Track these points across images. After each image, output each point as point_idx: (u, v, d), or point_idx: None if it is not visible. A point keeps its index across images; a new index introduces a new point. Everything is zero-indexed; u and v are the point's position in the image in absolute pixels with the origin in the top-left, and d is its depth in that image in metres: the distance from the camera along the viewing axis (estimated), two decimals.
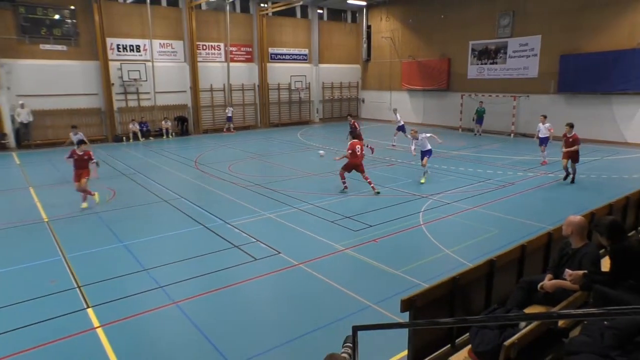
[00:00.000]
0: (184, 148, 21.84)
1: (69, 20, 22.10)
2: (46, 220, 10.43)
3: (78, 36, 22.49)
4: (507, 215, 10.09)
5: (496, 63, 24.21)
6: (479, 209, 10.62)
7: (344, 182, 12.24)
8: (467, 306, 4.37)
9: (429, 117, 28.72)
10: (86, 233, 9.55)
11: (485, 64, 24.77)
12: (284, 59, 30.21)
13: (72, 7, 22.09)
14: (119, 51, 23.86)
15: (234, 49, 27.82)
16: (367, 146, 16.52)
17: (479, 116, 23.69)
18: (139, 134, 24.09)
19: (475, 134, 24.00)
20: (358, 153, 11.93)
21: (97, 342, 5.50)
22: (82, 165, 11.26)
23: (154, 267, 7.65)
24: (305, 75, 30.96)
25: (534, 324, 3.48)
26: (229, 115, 27.30)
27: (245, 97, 28.87)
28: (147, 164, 17.53)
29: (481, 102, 23.85)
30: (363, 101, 34.12)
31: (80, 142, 12.02)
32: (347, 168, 12.07)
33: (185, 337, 5.62)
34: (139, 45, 24.43)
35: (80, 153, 11.29)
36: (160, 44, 25.10)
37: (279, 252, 8.14)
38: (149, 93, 25.01)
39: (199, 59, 26.34)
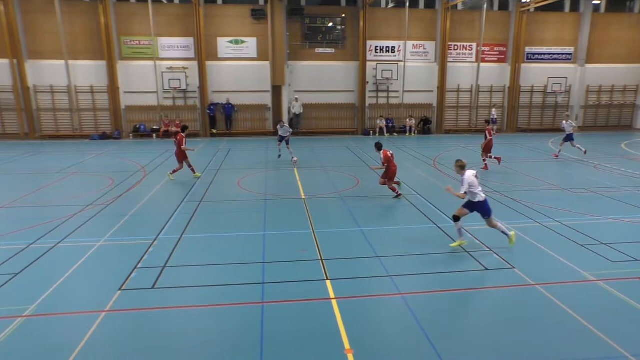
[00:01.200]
0: (425, 146, 22.33)
1: (339, 27, 25.48)
2: (303, 197, 12.33)
3: (345, 40, 25.67)
4: None
5: None
6: None
7: (396, 191, 12.08)
8: None
9: None
10: (332, 213, 10.87)
11: None
12: (542, 59, 27.43)
13: (343, 15, 25.35)
14: (376, 52, 26.04)
15: (486, 49, 26.79)
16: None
17: None
18: (385, 130, 26.06)
19: None
20: (392, 159, 11.99)
21: (331, 311, 6.21)
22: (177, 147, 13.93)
23: (386, 255, 8.15)
24: (566, 77, 27.36)
25: None
26: (494, 117, 26.62)
27: (492, 99, 27.51)
28: None
29: None
30: None
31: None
32: (389, 177, 12.00)
33: (404, 329, 5.82)
34: (394, 47, 26.13)
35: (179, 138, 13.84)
36: (413, 44, 26.23)
37: (513, 267, 7.56)
38: (397, 91, 26.57)
39: (448, 60, 26.40)
